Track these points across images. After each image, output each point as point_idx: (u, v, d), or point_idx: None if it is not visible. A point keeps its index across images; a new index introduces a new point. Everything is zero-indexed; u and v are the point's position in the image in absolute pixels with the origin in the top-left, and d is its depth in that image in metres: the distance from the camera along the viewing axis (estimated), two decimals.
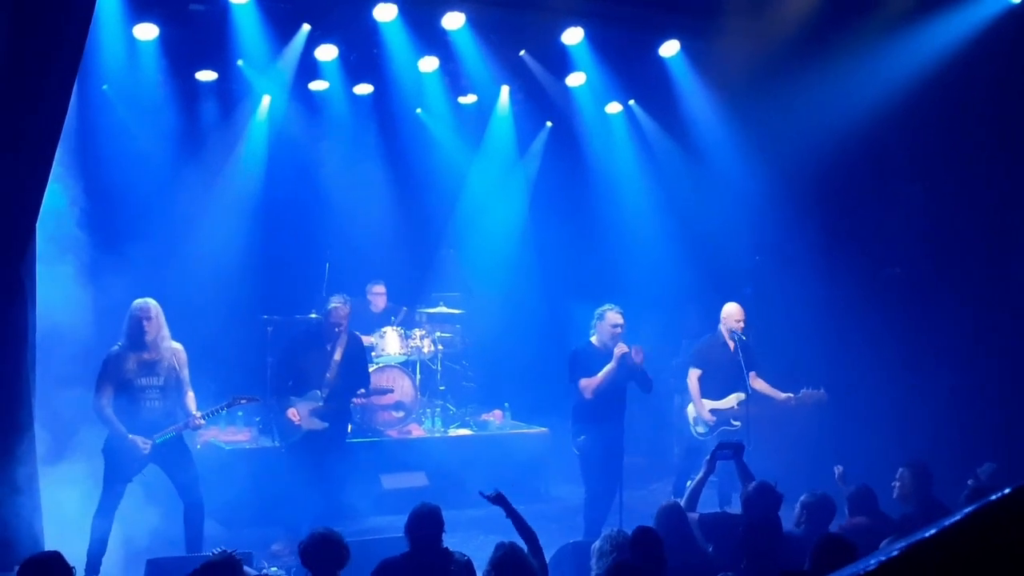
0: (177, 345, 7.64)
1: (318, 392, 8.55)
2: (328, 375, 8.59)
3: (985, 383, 9.56)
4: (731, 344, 9.13)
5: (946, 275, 10.12)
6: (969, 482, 6.99)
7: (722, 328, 9.23)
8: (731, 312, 9.21)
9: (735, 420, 9.07)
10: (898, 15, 9.72)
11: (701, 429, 9.20)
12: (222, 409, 7.99)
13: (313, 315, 10.56)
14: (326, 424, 8.53)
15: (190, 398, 7.64)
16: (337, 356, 8.65)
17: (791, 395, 9.21)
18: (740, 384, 8.98)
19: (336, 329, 8.59)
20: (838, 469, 7.46)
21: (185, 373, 7.62)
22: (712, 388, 9.18)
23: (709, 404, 9.16)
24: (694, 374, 9.23)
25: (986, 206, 9.92)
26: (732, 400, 9.11)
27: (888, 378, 9.84)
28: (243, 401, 8.23)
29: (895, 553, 1.35)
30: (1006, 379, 9.50)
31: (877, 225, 10.68)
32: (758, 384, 9.22)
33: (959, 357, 9.68)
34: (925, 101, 9.71)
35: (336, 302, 8.63)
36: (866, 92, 9.88)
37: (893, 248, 10.62)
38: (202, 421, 7.68)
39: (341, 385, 8.67)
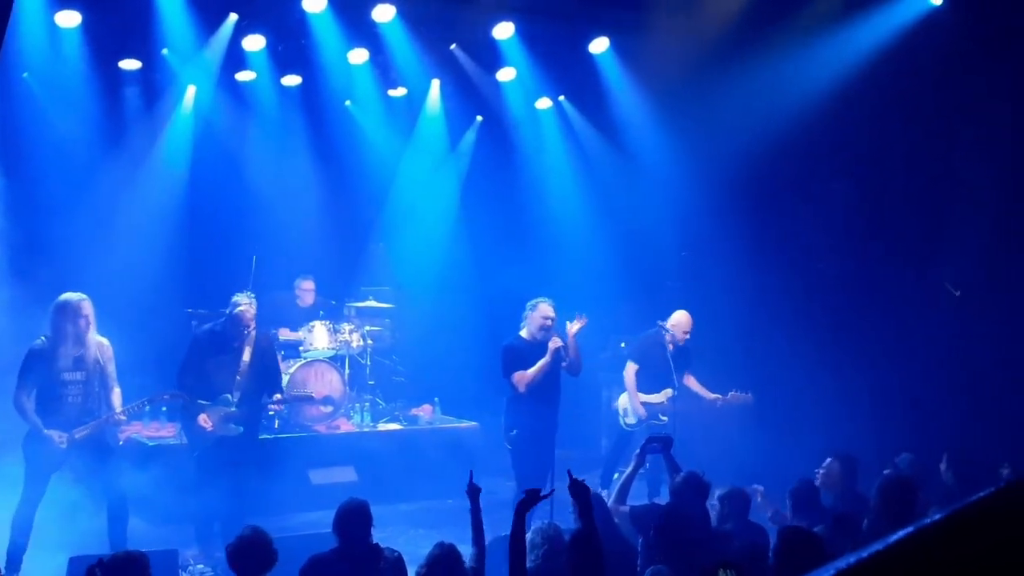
0: (103, 340, 7.49)
1: (228, 396, 8.05)
2: (238, 378, 8.08)
3: (906, 377, 9.81)
4: (670, 347, 9.35)
5: (870, 272, 10.37)
6: (886, 471, 7.16)
7: (665, 332, 9.39)
8: (681, 323, 9.43)
9: (663, 415, 9.43)
10: (825, 15, 9.92)
11: (631, 420, 9.45)
12: (144, 405, 7.84)
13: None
14: (240, 429, 8.06)
15: (116, 394, 7.50)
16: (246, 357, 8.12)
17: (719, 396, 9.56)
18: (671, 381, 9.26)
19: (244, 330, 8.08)
20: (759, 492, 7.38)
21: (111, 368, 7.48)
22: (645, 383, 9.45)
23: (642, 397, 9.43)
24: (631, 368, 9.48)
25: (909, 204, 10.18)
26: (663, 395, 9.42)
27: (812, 371, 10.03)
28: (165, 397, 8.07)
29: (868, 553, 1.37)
30: (928, 373, 9.77)
31: (803, 222, 10.88)
32: (691, 383, 9.58)
33: (882, 351, 9.91)
34: (851, 99, 9.94)
35: (242, 302, 8.07)
36: (794, 90, 10.07)
37: (818, 245, 10.83)
38: (123, 417, 7.56)
39: (252, 387, 8.17)
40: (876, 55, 9.84)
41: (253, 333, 8.21)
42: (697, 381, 9.62)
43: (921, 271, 10.06)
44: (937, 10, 9.71)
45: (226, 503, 7.88)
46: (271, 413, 8.46)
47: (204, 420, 7.93)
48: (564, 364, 8.41)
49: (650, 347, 9.50)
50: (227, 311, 8.13)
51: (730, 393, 9.59)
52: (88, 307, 7.34)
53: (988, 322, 9.68)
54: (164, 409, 9.98)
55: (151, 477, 8.74)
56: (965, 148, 9.82)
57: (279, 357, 10.57)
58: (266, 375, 8.34)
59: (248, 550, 5.14)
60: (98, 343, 7.43)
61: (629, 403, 9.50)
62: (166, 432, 9.99)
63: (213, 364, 8.10)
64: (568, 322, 8.39)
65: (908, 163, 10.20)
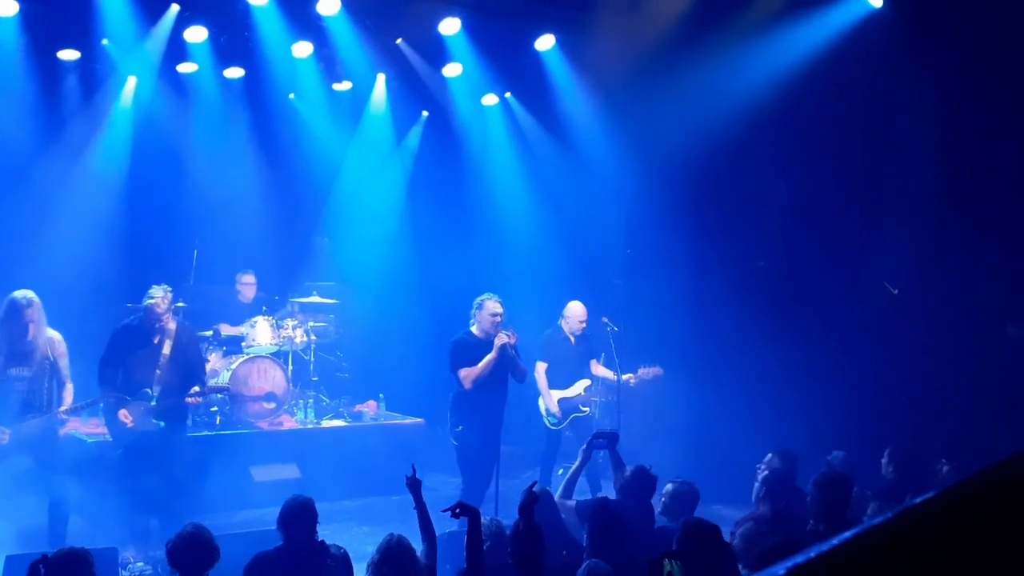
0: (55, 335, 7.43)
1: (149, 391, 7.95)
2: (158, 372, 7.98)
3: (835, 373, 9.99)
4: (571, 339, 9.54)
5: (805, 268, 10.54)
6: (825, 471, 7.28)
7: (563, 324, 9.57)
8: (576, 312, 9.57)
9: (583, 406, 9.58)
10: (766, 16, 10.06)
11: (552, 420, 9.57)
12: (86, 405, 7.73)
13: (180, 303, 10.27)
14: (162, 423, 7.96)
15: (68, 390, 7.45)
16: (166, 351, 8.02)
17: (631, 375, 9.74)
18: (585, 371, 9.56)
19: (157, 323, 7.98)
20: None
21: (63, 363, 7.43)
22: (559, 378, 9.55)
23: (558, 394, 9.53)
24: (541, 367, 9.57)
25: (846, 203, 10.37)
26: (579, 387, 9.58)
27: (752, 368, 10.17)
28: (109, 399, 7.93)
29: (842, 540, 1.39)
30: (865, 370, 9.96)
31: (743, 220, 11.02)
32: (599, 370, 9.75)
33: (820, 348, 10.08)
34: (790, 100, 10.08)
35: (155, 295, 7.95)
36: (735, 89, 10.19)
37: (757, 242, 10.98)
38: (64, 416, 7.47)
39: (174, 381, 8.05)
40: (815, 56, 10.00)
41: (172, 326, 8.13)
42: (604, 367, 9.75)
43: (857, 269, 10.25)
44: (876, 12, 9.89)
45: (158, 499, 7.80)
46: (190, 402, 8.27)
47: (124, 415, 7.84)
48: (515, 363, 8.39)
49: (554, 343, 9.62)
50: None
51: (640, 369, 9.77)
52: (37, 304, 7.28)
53: (924, 319, 9.89)
54: (102, 406, 9.80)
55: (88, 474, 8.60)
56: (901, 148, 10.03)
57: (211, 352, 10.49)
58: (188, 369, 8.22)
59: (189, 548, 5.08)
60: (49, 339, 7.36)
61: (544, 403, 9.58)
62: (104, 429, 9.81)
63: (132, 358, 8.01)
64: (502, 332, 8.33)
65: (845, 162, 10.39)
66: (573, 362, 9.59)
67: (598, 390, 9.75)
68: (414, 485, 5.61)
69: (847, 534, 1.37)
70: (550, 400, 9.51)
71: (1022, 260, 9.46)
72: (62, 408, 7.35)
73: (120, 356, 8.02)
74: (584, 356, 9.64)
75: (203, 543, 5.11)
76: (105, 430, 9.62)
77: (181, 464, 8.15)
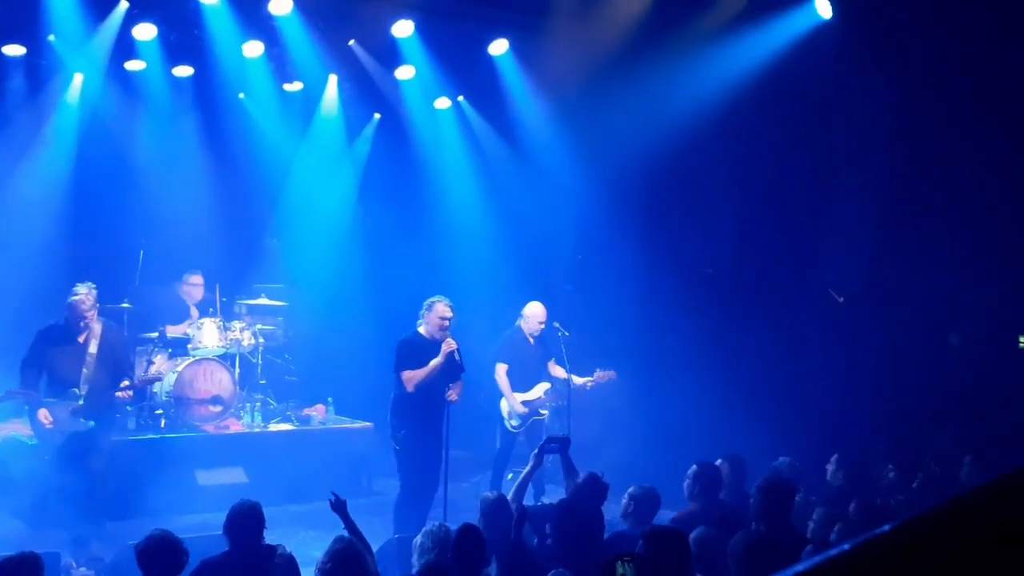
0: None
1: (76, 390, 7.83)
2: (85, 371, 7.87)
3: (783, 378, 10.12)
4: (530, 340, 9.52)
5: (755, 275, 10.66)
6: (768, 475, 7.35)
7: (522, 325, 9.54)
8: (535, 313, 9.54)
9: (542, 409, 9.58)
10: (719, 25, 10.16)
11: (515, 422, 9.50)
12: None
13: (125, 304, 10.12)
14: (91, 423, 7.83)
15: None
16: (92, 349, 7.92)
17: (588, 378, 9.73)
18: (543, 374, 9.54)
19: (81, 321, 7.88)
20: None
21: None
22: (519, 380, 9.52)
23: (520, 396, 9.46)
24: (502, 368, 9.51)
25: (794, 211, 10.50)
26: (539, 390, 9.58)
27: (700, 374, 10.25)
28: (19, 395, 7.78)
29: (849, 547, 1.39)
30: (802, 374, 10.09)
31: (692, 227, 11.12)
32: (556, 371, 9.70)
33: (768, 355, 10.20)
34: (741, 109, 10.19)
35: (79, 292, 7.88)
36: (687, 98, 10.30)
37: (707, 249, 11.08)
38: None
39: (101, 380, 7.93)
40: (767, 64, 10.13)
41: (97, 325, 8.01)
42: (562, 369, 9.67)
43: (806, 276, 10.38)
44: (826, 23, 10.03)
45: (90, 501, 7.67)
46: (119, 399, 8.14)
47: (43, 416, 7.71)
48: (457, 371, 8.24)
49: (513, 344, 9.58)
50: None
51: (596, 372, 9.76)
52: None
53: (870, 326, 10.04)
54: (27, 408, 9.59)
55: (26, 476, 8.43)
56: (850, 156, 10.18)
57: (157, 354, 10.31)
58: (116, 367, 8.10)
59: (159, 551, 4.99)
60: None
61: (508, 405, 9.51)
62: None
63: (58, 358, 7.89)
64: (450, 338, 8.22)
65: (795, 170, 10.52)
66: (532, 364, 9.55)
67: (556, 393, 9.69)
68: (339, 507, 5.65)
69: (845, 546, 1.38)
70: (514, 402, 9.42)
71: (966, 269, 9.65)
72: None
73: (43, 356, 7.88)
74: (542, 358, 9.61)
75: (172, 545, 5.03)
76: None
77: (97, 459, 7.97)
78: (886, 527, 1.44)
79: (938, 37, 9.33)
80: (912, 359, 9.86)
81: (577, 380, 9.67)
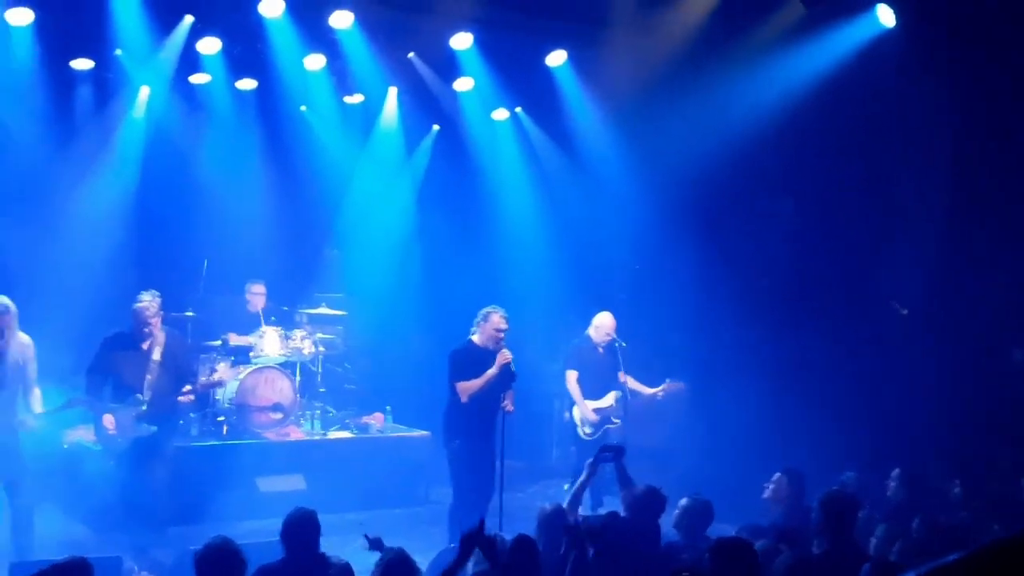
0: (26, 339, 7.35)
1: (139, 396, 7.97)
2: (148, 377, 8.02)
3: (842, 391, 9.97)
4: (600, 349, 9.52)
5: (810, 288, 10.53)
6: (831, 490, 7.23)
7: (591, 333, 9.55)
8: (604, 323, 9.55)
9: (615, 418, 9.52)
10: (778, 34, 10.07)
11: (588, 430, 9.50)
12: (61, 410, 7.65)
13: (189, 313, 10.31)
14: (154, 428, 7.98)
15: (35, 396, 7.37)
16: (156, 356, 8.08)
17: (658, 389, 9.75)
18: (614, 383, 9.45)
19: (144, 328, 8.05)
20: None
21: (31, 368, 7.35)
22: (589, 389, 9.51)
23: (591, 404, 9.45)
24: (572, 376, 9.52)
25: (854, 222, 10.36)
26: (611, 398, 9.54)
27: (758, 386, 10.15)
28: (83, 402, 7.89)
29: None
30: (863, 387, 9.93)
31: (749, 238, 11.03)
32: (628, 381, 9.64)
33: (828, 367, 10.06)
34: (799, 117, 10.09)
35: (143, 299, 8.04)
36: (744, 109, 10.22)
37: (763, 260, 10.97)
38: (33, 423, 7.35)
39: (164, 386, 8.09)
40: (826, 74, 10.01)
41: (161, 333, 8.16)
42: (634, 379, 9.69)
43: (866, 288, 10.23)
44: (889, 32, 9.89)
45: (153, 506, 7.80)
46: (181, 403, 8.29)
47: (108, 422, 7.84)
48: (511, 383, 8.22)
49: (581, 352, 9.61)
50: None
51: (666, 382, 9.79)
52: (11, 312, 7.21)
53: (933, 339, 9.86)
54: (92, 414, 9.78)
55: (91, 482, 8.61)
56: (911, 169, 10.02)
57: (219, 361, 10.46)
58: (178, 374, 8.26)
59: (219, 558, 5.02)
60: (20, 343, 7.30)
61: (580, 413, 9.52)
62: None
63: (122, 364, 8.03)
64: (505, 349, 8.22)
65: (854, 180, 10.38)
66: (602, 372, 9.53)
67: (627, 402, 9.61)
68: (376, 545, 5.43)
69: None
70: (586, 409, 9.45)
71: None
72: (25, 417, 7.26)
73: (107, 363, 8.04)
74: (612, 367, 9.54)
75: (232, 554, 5.05)
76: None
77: (160, 465, 8.12)
78: (951, 557, 1.42)
79: (1003, 46, 9.15)
80: (978, 372, 9.66)
81: (647, 390, 9.67)
